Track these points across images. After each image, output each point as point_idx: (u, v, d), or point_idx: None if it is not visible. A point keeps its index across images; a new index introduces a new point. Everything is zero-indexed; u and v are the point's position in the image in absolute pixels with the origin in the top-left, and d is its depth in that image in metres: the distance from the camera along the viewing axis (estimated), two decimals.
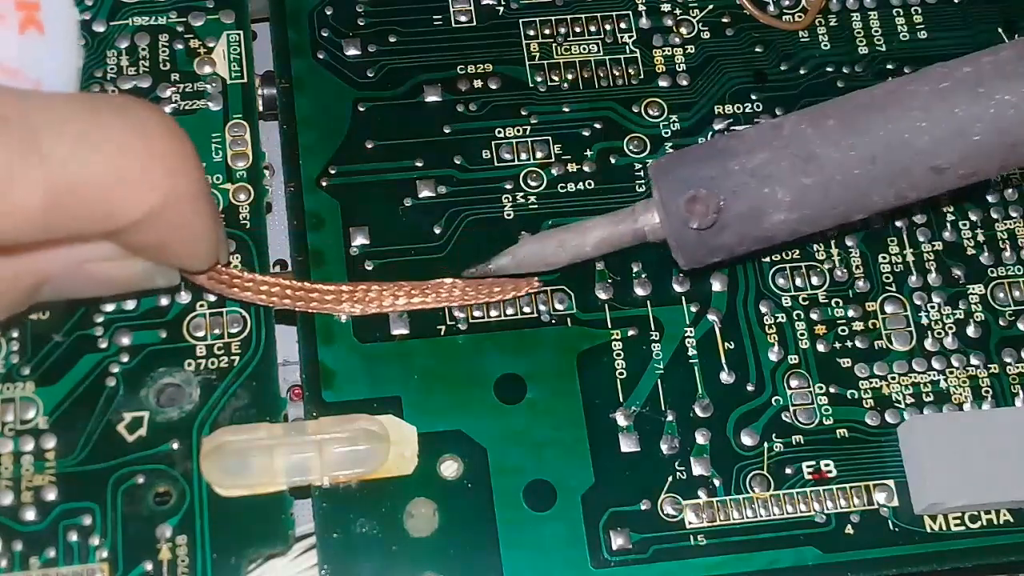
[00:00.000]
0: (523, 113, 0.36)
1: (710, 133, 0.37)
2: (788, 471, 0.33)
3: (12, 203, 0.24)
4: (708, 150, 0.32)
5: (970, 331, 0.35)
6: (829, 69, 0.38)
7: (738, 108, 0.37)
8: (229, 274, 0.33)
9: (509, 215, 0.35)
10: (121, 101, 0.26)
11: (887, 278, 0.36)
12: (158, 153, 0.26)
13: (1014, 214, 0.37)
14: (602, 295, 0.35)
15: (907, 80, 0.31)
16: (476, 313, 0.34)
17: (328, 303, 0.33)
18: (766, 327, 0.35)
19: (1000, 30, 0.39)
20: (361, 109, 0.36)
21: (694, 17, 0.38)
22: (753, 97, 0.37)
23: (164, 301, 0.33)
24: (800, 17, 0.39)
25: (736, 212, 0.31)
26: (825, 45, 0.38)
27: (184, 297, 0.33)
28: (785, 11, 0.39)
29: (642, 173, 0.36)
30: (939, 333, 0.35)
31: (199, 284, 0.33)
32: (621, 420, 0.33)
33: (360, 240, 0.35)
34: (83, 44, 0.34)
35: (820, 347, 0.35)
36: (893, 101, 0.31)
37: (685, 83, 0.37)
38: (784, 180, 0.31)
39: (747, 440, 0.33)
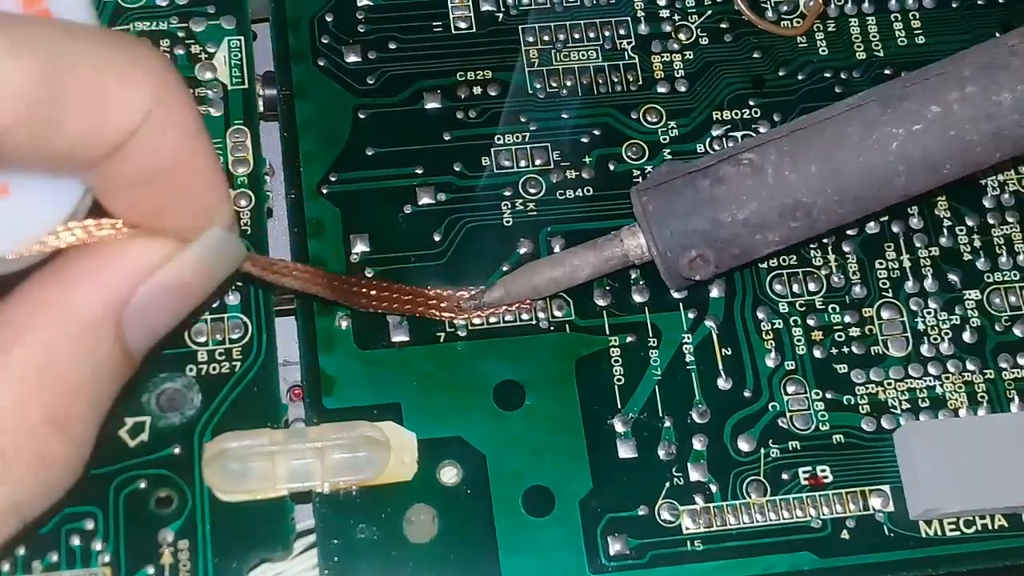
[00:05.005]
0: (522, 120, 0.37)
1: (708, 139, 0.37)
2: (785, 477, 0.33)
3: (6, 73, 0.23)
4: (692, 195, 0.33)
5: (966, 336, 0.35)
6: (827, 75, 0.38)
7: (736, 114, 0.37)
8: (265, 261, 0.32)
9: (508, 222, 0.35)
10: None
11: (883, 284, 0.36)
12: (152, 55, 0.25)
13: (1010, 219, 0.37)
14: (600, 301, 0.35)
15: (880, 113, 0.33)
16: (475, 320, 0.34)
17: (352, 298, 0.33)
18: (763, 333, 0.35)
19: (998, 34, 0.39)
20: (361, 116, 0.36)
21: (692, 23, 0.38)
22: (751, 103, 0.37)
23: None
24: (798, 23, 0.39)
25: (730, 256, 0.33)
26: (823, 51, 0.38)
27: None
28: (783, 17, 0.39)
29: (640, 179, 0.36)
30: (935, 339, 0.35)
31: (247, 272, 0.31)
32: (619, 426, 0.34)
33: (360, 247, 0.35)
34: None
35: (817, 353, 0.35)
36: (873, 146, 0.32)
37: (683, 89, 0.37)
38: (774, 227, 0.33)
39: (744, 446, 0.34)
